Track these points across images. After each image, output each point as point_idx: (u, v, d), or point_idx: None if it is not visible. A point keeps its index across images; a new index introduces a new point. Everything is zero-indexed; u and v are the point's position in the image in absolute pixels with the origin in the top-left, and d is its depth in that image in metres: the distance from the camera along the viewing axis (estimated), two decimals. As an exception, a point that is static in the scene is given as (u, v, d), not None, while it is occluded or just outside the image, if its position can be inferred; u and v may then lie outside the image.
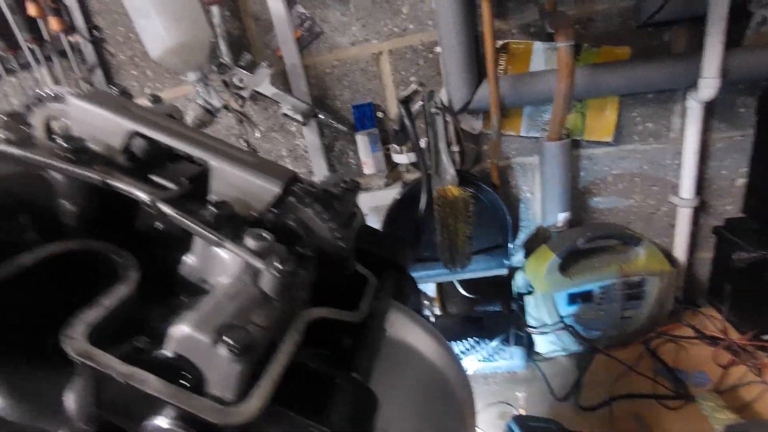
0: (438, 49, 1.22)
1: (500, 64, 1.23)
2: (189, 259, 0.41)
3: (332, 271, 0.46)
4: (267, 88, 1.14)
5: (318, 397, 0.38)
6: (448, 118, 1.23)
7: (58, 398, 0.38)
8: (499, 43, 1.21)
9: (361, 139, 1.31)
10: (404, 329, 0.59)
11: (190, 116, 1.07)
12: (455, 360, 0.67)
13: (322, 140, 1.36)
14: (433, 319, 1.54)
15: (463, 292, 1.51)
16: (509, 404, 1.21)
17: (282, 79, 1.28)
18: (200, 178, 0.44)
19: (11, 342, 0.38)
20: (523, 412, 1.21)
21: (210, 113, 1.08)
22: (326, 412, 0.37)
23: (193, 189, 0.42)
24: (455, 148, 1.29)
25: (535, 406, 1.23)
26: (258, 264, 0.36)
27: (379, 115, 1.31)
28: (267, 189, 0.41)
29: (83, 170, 0.38)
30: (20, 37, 1.41)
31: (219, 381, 0.32)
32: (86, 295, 0.37)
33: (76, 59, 1.43)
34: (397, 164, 1.36)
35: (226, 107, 1.11)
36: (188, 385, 0.32)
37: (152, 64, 1.41)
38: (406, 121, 1.02)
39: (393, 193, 1.34)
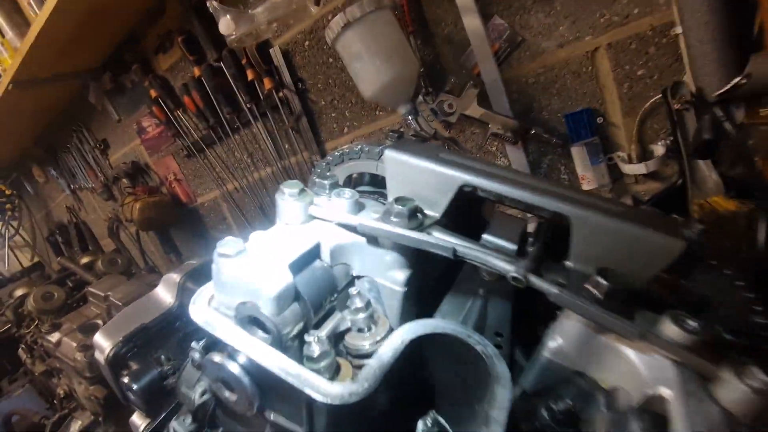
0: (677, 29, 0.99)
1: (774, 32, 0.93)
2: (554, 342, 0.32)
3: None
4: (475, 110, 1.07)
5: None
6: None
7: None
8: (772, 4, 0.92)
9: (578, 151, 1.14)
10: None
11: (401, 150, 1.05)
12: None
13: (529, 157, 1.22)
14: None
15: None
16: None
17: (482, 97, 1.19)
18: (545, 234, 0.35)
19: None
20: None
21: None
22: None
23: (544, 250, 0.33)
24: (708, 148, 1.02)
25: None
26: (710, 368, 0.24)
27: (599, 120, 1.12)
28: (664, 247, 0.30)
29: (431, 240, 0.33)
30: (242, 99, 1.63)
31: None
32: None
33: (284, 111, 1.58)
34: (622, 175, 1.15)
35: (435, 135, 1.07)
36: None
37: (349, 104, 1.48)
38: (728, 126, 0.81)
39: (622, 210, 1.13)
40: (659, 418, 0.24)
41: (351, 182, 0.47)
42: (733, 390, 0.23)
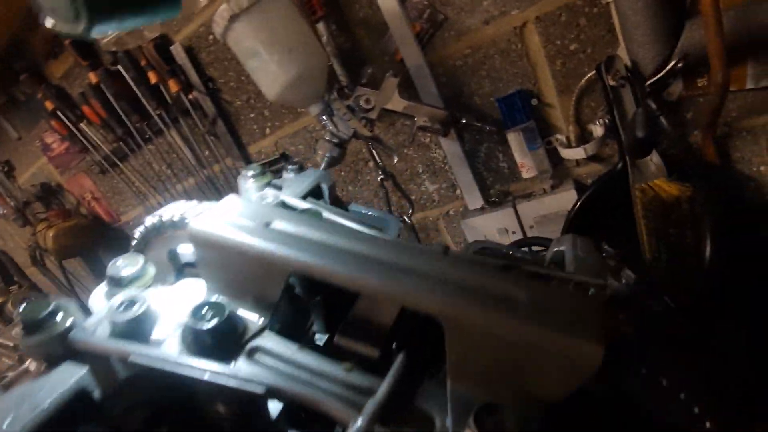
0: (607, -3, 0.90)
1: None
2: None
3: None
4: (397, 103, 0.95)
5: None
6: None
7: None
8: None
9: (515, 138, 1.04)
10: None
11: (320, 154, 0.93)
12: None
13: (464, 147, 1.12)
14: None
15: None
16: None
17: (406, 85, 1.08)
18: (414, 332, 0.25)
19: None
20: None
21: (340, 146, 0.92)
22: None
23: (411, 365, 0.23)
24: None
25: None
26: None
27: (533, 102, 1.03)
28: (574, 358, 0.20)
29: (234, 378, 0.21)
30: (148, 106, 1.44)
31: None
32: None
33: (197, 115, 1.41)
34: (562, 160, 1.07)
35: (355, 135, 0.94)
36: None
37: (267, 102, 1.33)
38: (663, 122, 0.72)
39: (565, 197, 1.06)
40: None
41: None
42: None
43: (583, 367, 0.20)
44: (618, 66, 0.88)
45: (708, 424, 0.21)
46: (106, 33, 0.91)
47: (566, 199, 1.06)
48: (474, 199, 1.18)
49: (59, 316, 0.26)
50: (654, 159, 0.88)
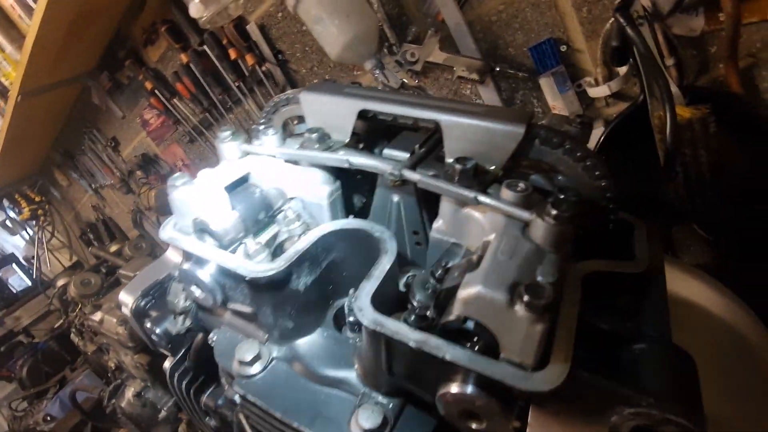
0: (627, -57, 0.99)
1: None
2: (437, 223, 0.40)
3: (594, 217, 0.39)
4: (438, 56, 1.11)
5: (622, 360, 0.32)
6: (656, 25, 1.00)
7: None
8: None
9: (546, 82, 1.17)
10: (684, 283, 0.48)
11: (373, 104, 1.11)
12: (752, 317, 0.53)
13: (501, 95, 1.26)
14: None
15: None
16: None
17: (449, 43, 1.23)
18: (432, 141, 0.42)
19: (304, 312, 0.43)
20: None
21: (390, 96, 1.10)
22: (640, 378, 0.31)
23: (428, 152, 0.41)
24: (670, 61, 1.04)
25: None
26: (525, 214, 0.32)
27: (563, 48, 1.15)
28: (508, 134, 0.36)
29: (330, 155, 0.40)
30: (229, 79, 1.70)
31: (516, 344, 0.28)
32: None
33: (269, 84, 1.65)
34: (593, 100, 1.18)
35: (403, 86, 1.12)
36: (481, 350, 0.30)
37: (328, 68, 1.53)
38: (630, 31, 0.84)
39: (595, 136, 1.17)
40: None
41: (289, 125, 0.54)
42: (538, 227, 0.31)
43: (511, 139, 0.37)
44: (636, 7, 0.98)
45: (603, 183, 0.37)
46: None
47: (596, 137, 1.17)
48: (511, 143, 1.32)
49: (237, 134, 0.47)
50: (672, 89, 0.98)
